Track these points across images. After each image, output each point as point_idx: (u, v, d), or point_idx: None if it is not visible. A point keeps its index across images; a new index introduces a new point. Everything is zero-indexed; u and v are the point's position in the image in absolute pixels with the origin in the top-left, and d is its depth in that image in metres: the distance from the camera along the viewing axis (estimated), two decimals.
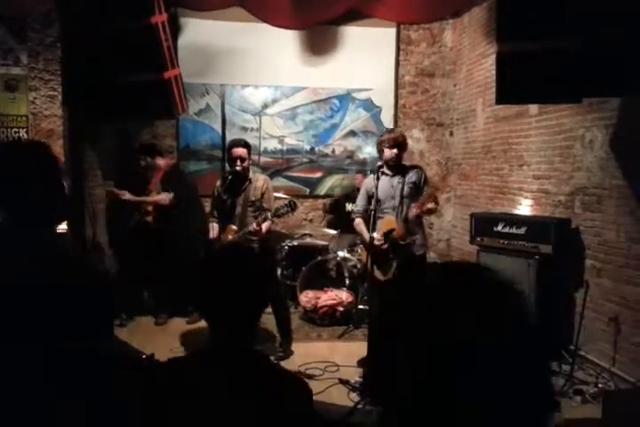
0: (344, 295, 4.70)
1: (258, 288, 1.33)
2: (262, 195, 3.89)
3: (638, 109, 3.29)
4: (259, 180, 3.95)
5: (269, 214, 3.72)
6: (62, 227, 3.76)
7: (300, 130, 6.00)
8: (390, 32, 5.95)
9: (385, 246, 3.65)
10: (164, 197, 4.59)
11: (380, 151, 3.76)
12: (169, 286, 4.70)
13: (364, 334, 4.37)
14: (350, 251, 5.06)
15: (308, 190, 6.05)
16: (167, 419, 1.19)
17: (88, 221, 4.43)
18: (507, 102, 3.85)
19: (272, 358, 3.72)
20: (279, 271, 5.09)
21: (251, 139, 5.71)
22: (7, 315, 1.12)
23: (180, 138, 5.78)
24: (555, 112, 4.13)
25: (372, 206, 3.66)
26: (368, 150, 5.97)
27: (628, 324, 3.38)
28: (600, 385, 3.30)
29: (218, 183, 4.06)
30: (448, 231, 6.13)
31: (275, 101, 5.93)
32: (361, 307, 4.70)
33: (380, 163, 3.77)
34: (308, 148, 6.03)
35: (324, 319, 4.65)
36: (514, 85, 3.05)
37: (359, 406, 3.06)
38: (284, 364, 3.64)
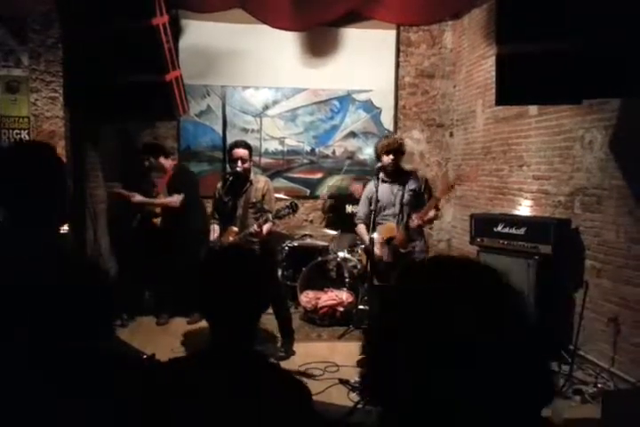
0: (344, 296, 4.71)
1: (258, 289, 1.34)
2: (263, 196, 3.90)
3: (638, 111, 3.30)
4: (260, 181, 3.96)
5: (270, 216, 3.73)
6: (64, 228, 3.77)
7: (301, 131, 6.01)
8: (390, 34, 5.96)
9: (386, 259, 3.68)
10: (175, 200, 4.60)
11: (378, 157, 3.80)
12: (170, 286, 4.70)
13: None
14: (350, 251, 5.07)
15: (308, 191, 6.06)
16: (167, 419, 1.19)
17: (89, 222, 4.43)
18: (506, 103, 3.84)
19: (272, 358, 3.73)
20: (280, 272, 5.10)
21: (251, 140, 5.73)
22: (6, 315, 1.13)
23: (181, 139, 5.80)
24: (554, 113, 4.14)
25: (371, 207, 3.67)
26: (368, 151, 5.98)
27: (628, 324, 3.39)
28: (599, 385, 3.30)
29: (219, 185, 4.07)
30: (448, 232, 6.14)
31: (275, 103, 5.95)
32: (361, 307, 4.71)
33: (379, 165, 3.79)
34: (308, 149, 6.04)
35: (325, 320, 4.66)
36: (513, 86, 3.06)
37: (359, 406, 3.06)
38: (284, 364, 3.65)
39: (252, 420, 1.17)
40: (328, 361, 3.80)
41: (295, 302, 4.88)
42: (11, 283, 1.17)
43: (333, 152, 6.08)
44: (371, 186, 3.89)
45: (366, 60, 5.91)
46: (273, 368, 1.38)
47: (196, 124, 5.84)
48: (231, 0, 5.39)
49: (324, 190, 6.07)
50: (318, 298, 4.71)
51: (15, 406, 1.09)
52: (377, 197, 3.66)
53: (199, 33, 5.69)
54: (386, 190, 3.78)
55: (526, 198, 4.57)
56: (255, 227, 3.72)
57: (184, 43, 5.63)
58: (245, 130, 5.92)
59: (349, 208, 5.43)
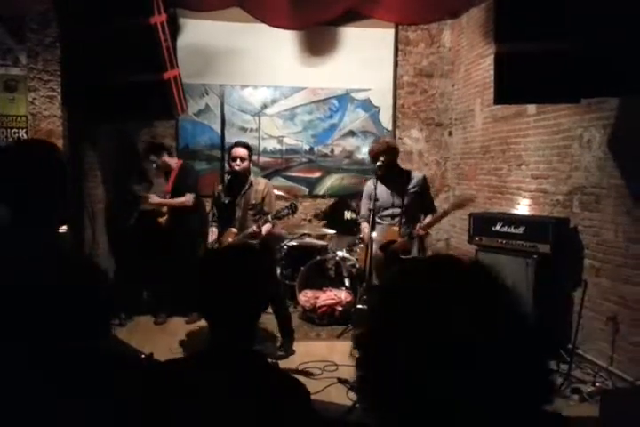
0: (343, 295, 4.71)
1: (257, 288, 1.34)
2: (263, 199, 3.91)
3: (636, 109, 3.30)
4: (260, 183, 3.97)
5: (270, 217, 3.75)
6: (62, 227, 3.77)
7: (299, 130, 6.01)
8: (389, 33, 5.96)
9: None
10: (188, 199, 4.61)
11: (372, 161, 3.84)
12: (168, 285, 4.70)
13: None
14: (349, 251, 5.07)
15: (307, 190, 6.06)
16: (166, 419, 1.19)
17: (87, 222, 4.43)
18: (505, 102, 3.86)
19: (272, 357, 3.73)
20: (278, 271, 5.10)
21: (250, 139, 5.74)
22: (5, 315, 1.13)
23: (180, 138, 5.79)
24: (553, 112, 4.14)
25: (370, 206, 3.68)
26: (367, 150, 5.97)
27: (626, 323, 3.39)
28: (598, 384, 3.31)
29: (219, 187, 4.07)
30: (447, 231, 6.13)
31: (274, 102, 5.94)
32: (360, 306, 4.70)
33: (378, 164, 3.80)
34: (307, 148, 6.04)
35: (323, 319, 4.66)
36: (512, 85, 3.06)
37: (358, 404, 3.06)
38: (283, 363, 3.65)
39: (251, 420, 1.17)
40: (327, 360, 3.80)
41: (294, 302, 4.88)
42: (10, 283, 1.17)
43: (332, 151, 6.08)
44: (370, 184, 3.93)
45: (365, 59, 5.91)
46: (272, 368, 1.38)
47: (195, 123, 5.83)
48: None
49: (322, 190, 6.06)
50: (317, 297, 4.72)
51: (15, 407, 1.09)
52: (375, 195, 3.68)
53: (197, 32, 5.68)
54: (384, 190, 3.82)
55: (525, 197, 4.57)
56: (254, 227, 3.73)
57: (182, 41, 5.62)
58: (244, 129, 5.92)
59: (348, 214, 5.44)
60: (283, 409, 1.21)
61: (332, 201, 5.95)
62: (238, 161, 3.85)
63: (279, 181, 5.93)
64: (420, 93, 6.11)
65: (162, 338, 4.29)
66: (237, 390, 1.19)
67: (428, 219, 3.87)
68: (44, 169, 1.42)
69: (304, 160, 6.05)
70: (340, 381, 3.44)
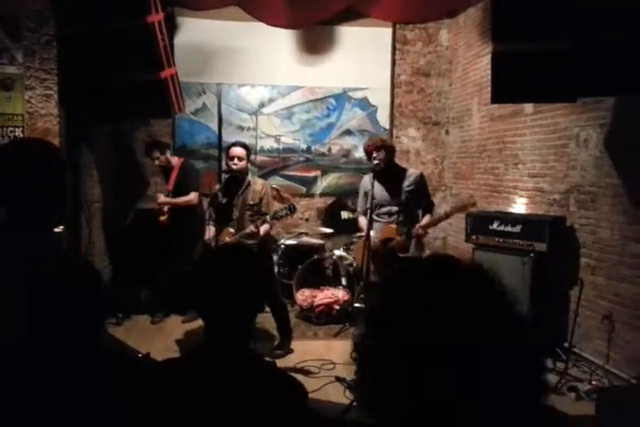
0: (340, 294, 4.72)
1: (253, 288, 1.34)
2: (261, 199, 3.91)
3: (632, 109, 3.31)
4: (257, 183, 3.97)
5: (268, 217, 3.76)
6: (59, 227, 3.76)
7: (297, 129, 6.01)
8: (386, 32, 5.96)
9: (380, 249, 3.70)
10: (193, 198, 4.62)
11: (368, 158, 3.84)
12: (165, 284, 4.70)
13: None
14: (346, 249, 5.07)
15: (304, 189, 6.06)
16: (165, 419, 1.19)
17: (84, 222, 4.42)
18: (502, 101, 3.87)
19: (269, 356, 3.74)
20: (276, 270, 5.10)
21: (247, 138, 5.73)
22: (4, 314, 1.13)
23: (177, 137, 5.78)
24: (549, 111, 4.16)
25: (367, 204, 3.69)
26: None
27: (622, 321, 3.41)
28: (594, 382, 3.32)
29: (217, 187, 4.07)
30: (444, 229, 6.14)
31: (271, 101, 5.94)
32: (357, 305, 4.71)
33: (375, 162, 3.80)
34: (304, 147, 6.04)
35: (321, 318, 4.67)
36: (509, 85, 3.06)
37: (355, 403, 3.07)
38: (280, 362, 3.66)
39: (247, 419, 1.17)
40: (324, 359, 3.81)
41: (291, 301, 4.88)
42: (6, 283, 1.17)
43: (329, 150, 6.08)
44: (366, 180, 3.93)
45: (362, 58, 5.91)
46: (268, 367, 1.38)
47: (192, 121, 5.82)
48: None
49: (319, 189, 6.07)
50: (314, 296, 4.72)
51: (15, 406, 1.09)
52: (372, 193, 3.68)
53: (195, 30, 5.67)
54: (380, 188, 3.81)
55: (521, 196, 4.58)
56: (252, 227, 3.73)
57: (180, 40, 5.61)
58: (241, 128, 5.91)
59: (345, 215, 5.44)
60: (279, 408, 1.21)
61: (329, 200, 5.95)
62: (236, 160, 3.85)
63: (276, 179, 5.93)
64: (418, 92, 6.11)
65: (159, 337, 4.29)
66: (233, 390, 1.19)
67: (427, 219, 3.87)
68: (42, 168, 1.42)
69: (301, 159, 6.05)
70: (338, 379, 3.45)
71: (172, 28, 5.39)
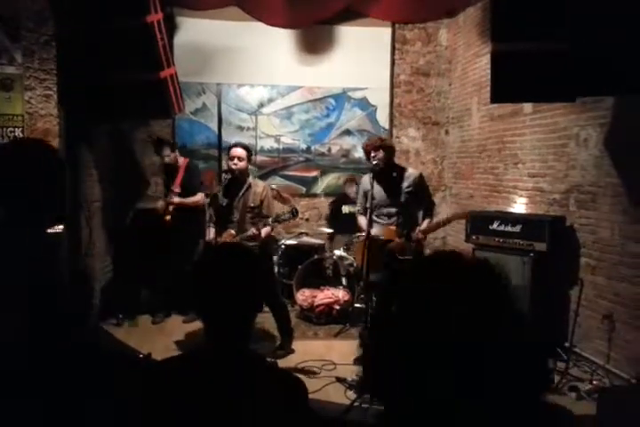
0: (340, 294, 4.72)
1: (253, 288, 1.34)
2: (262, 202, 3.90)
3: (632, 108, 3.31)
4: (258, 186, 3.96)
5: (270, 220, 3.76)
6: (59, 227, 3.75)
7: (296, 129, 6.01)
8: (385, 31, 5.96)
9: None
10: (200, 199, 4.64)
11: (367, 158, 3.83)
12: (166, 285, 4.70)
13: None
14: (346, 249, 5.07)
15: (304, 189, 6.06)
16: (165, 419, 1.19)
17: (84, 221, 4.41)
18: (501, 101, 3.86)
19: (270, 356, 3.73)
20: (276, 270, 5.10)
21: (247, 138, 5.74)
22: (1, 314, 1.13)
23: (177, 137, 5.77)
24: (549, 111, 4.15)
25: (367, 204, 3.68)
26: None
27: (623, 321, 3.41)
28: (595, 382, 3.32)
29: (217, 187, 4.07)
30: (444, 229, 6.13)
31: (271, 100, 5.93)
32: (357, 305, 4.72)
33: (374, 162, 3.79)
34: (304, 147, 6.04)
35: (321, 318, 4.67)
36: (508, 84, 3.06)
37: (356, 403, 3.07)
38: (280, 362, 3.66)
39: (248, 419, 1.17)
40: (325, 359, 3.80)
41: (291, 301, 4.88)
42: (7, 283, 1.17)
43: (329, 150, 6.08)
44: (365, 179, 3.90)
45: (362, 57, 5.91)
46: (268, 367, 1.38)
47: (192, 121, 5.82)
48: None
49: (319, 189, 6.07)
50: (314, 296, 4.72)
51: (15, 407, 1.09)
52: (372, 194, 3.67)
53: (194, 30, 5.67)
54: (379, 189, 3.80)
55: (521, 196, 4.58)
56: (254, 230, 3.73)
57: (179, 40, 5.61)
58: (241, 128, 5.91)
59: (346, 209, 5.44)
60: (279, 408, 1.21)
61: (329, 200, 5.95)
62: (236, 160, 3.85)
63: (276, 180, 5.93)
64: (417, 92, 6.11)
65: (160, 338, 4.29)
66: (233, 390, 1.19)
67: (427, 223, 3.85)
68: (40, 168, 1.42)
69: (301, 159, 6.05)
70: (338, 380, 3.45)
71: (171, 27, 5.39)
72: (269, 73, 5.85)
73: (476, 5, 5.33)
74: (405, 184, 3.79)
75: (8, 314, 1.12)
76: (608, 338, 3.50)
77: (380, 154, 3.70)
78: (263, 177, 5.70)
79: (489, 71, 3.21)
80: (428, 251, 5.61)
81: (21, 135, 3.87)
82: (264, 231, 3.79)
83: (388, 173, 3.78)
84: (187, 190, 4.67)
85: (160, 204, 4.73)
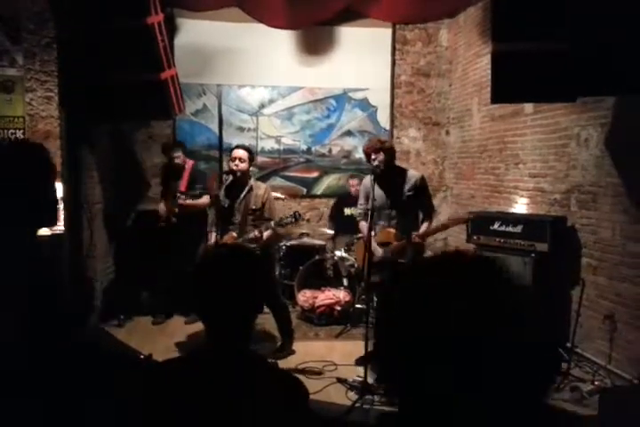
0: (341, 295, 4.71)
1: (253, 289, 1.34)
2: (263, 204, 3.90)
3: (632, 108, 3.31)
4: (260, 188, 3.96)
5: (273, 223, 3.76)
6: (60, 228, 3.76)
7: (297, 130, 6.01)
8: (386, 32, 5.96)
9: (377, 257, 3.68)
10: (207, 201, 4.66)
11: (367, 160, 3.81)
12: (167, 285, 4.70)
13: (362, 333, 4.37)
14: (347, 250, 5.07)
15: (305, 190, 6.06)
16: (165, 419, 1.19)
17: (85, 223, 4.42)
18: (502, 101, 3.86)
19: (271, 357, 3.73)
20: (277, 271, 5.10)
21: (248, 139, 5.74)
22: None
23: (177, 138, 5.77)
24: (550, 111, 4.15)
25: (368, 206, 3.67)
26: None
27: (624, 321, 3.40)
28: (596, 382, 3.31)
29: (221, 192, 4.06)
30: (444, 231, 6.13)
31: (271, 101, 5.94)
32: (358, 306, 4.71)
33: (375, 163, 3.78)
34: (304, 147, 6.04)
35: (322, 319, 4.66)
36: (509, 85, 3.06)
37: (357, 404, 3.07)
38: (281, 363, 3.65)
39: (248, 420, 1.17)
40: (326, 360, 3.80)
41: (292, 301, 4.88)
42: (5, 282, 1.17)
43: (330, 151, 6.08)
44: (367, 182, 3.88)
45: (362, 58, 5.91)
46: (269, 368, 1.38)
47: (192, 123, 5.83)
48: None
49: (319, 190, 6.07)
50: (315, 297, 4.72)
51: (15, 406, 1.09)
52: (373, 195, 3.66)
53: (195, 32, 5.68)
54: (380, 192, 3.77)
55: (522, 196, 4.58)
56: (256, 232, 3.73)
57: (179, 41, 5.61)
58: (242, 129, 5.92)
59: (348, 211, 5.44)
60: (279, 409, 1.21)
61: (330, 201, 5.94)
62: (237, 161, 3.86)
63: (277, 180, 5.94)
64: (418, 93, 6.11)
65: (161, 338, 4.29)
66: (233, 390, 1.19)
67: (425, 227, 3.80)
68: (27, 169, 1.42)
69: (302, 160, 6.05)
70: (339, 381, 3.44)
71: (171, 29, 5.39)
72: (270, 74, 5.85)
73: (476, 5, 5.33)
74: (407, 187, 3.76)
75: (8, 314, 1.12)
76: (609, 338, 3.49)
77: (381, 156, 3.69)
78: (264, 178, 5.71)
79: (489, 71, 3.21)
80: (429, 252, 5.62)
81: (22, 137, 3.88)
82: (266, 234, 3.79)
83: (389, 175, 3.76)
84: (192, 191, 4.69)
85: (161, 206, 4.75)
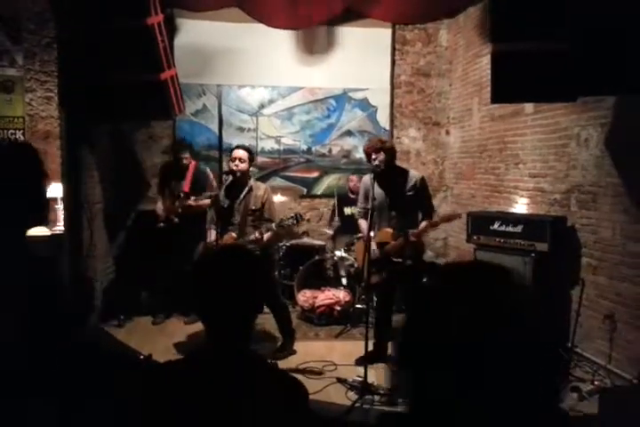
0: (341, 295, 4.72)
1: (253, 289, 1.34)
2: (263, 205, 3.90)
3: (633, 108, 3.31)
4: (260, 188, 3.96)
5: (274, 225, 3.75)
6: (59, 228, 3.76)
7: (297, 130, 6.01)
8: (386, 32, 5.97)
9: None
10: (208, 202, 4.65)
11: (368, 160, 3.81)
12: (167, 286, 4.70)
13: (362, 333, 4.37)
14: (347, 250, 5.07)
15: (305, 190, 6.06)
16: (165, 420, 1.19)
17: (85, 223, 4.42)
18: (502, 101, 3.86)
19: (271, 357, 3.73)
20: (277, 271, 5.10)
21: (248, 139, 5.75)
22: None
23: (177, 138, 5.78)
24: (550, 111, 4.15)
25: (368, 206, 3.67)
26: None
27: (624, 321, 3.40)
28: (596, 382, 3.31)
29: (222, 192, 4.06)
30: (445, 230, 6.14)
31: (271, 102, 5.94)
32: (358, 306, 4.71)
33: (375, 163, 3.78)
34: (304, 148, 6.04)
35: (322, 319, 4.66)
36: (509, 84, 3.06)
37: (357, 404, 3.07)
38: (281, 363, 3.65)
39: (248, 420, 1.17)
40: (326, 360, 3.80)
41: (292, 301, 4.88)
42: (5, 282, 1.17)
43: (330, 151, 6.08)
44: (366, 180, 3.87)
45: (362, 58, 5.91)
46: (269, 368, 1.38)
47: (192, 123, 5.83)
48: None
49: (320, 190, 6.06)
50: (315, 297, 4.72)
51: (15, 406, 1.09)
52: (373, 195, 3.66)
53: (195, 32, 5.68)
54: (380, 192, 3.77)
55: (522, 196, 4.58)
56: (257, 234, 3.73)
57: (179, 42, 5.61)
58: (242, 129, 5.92)
59: (348, 210, 5.44)
60: (279, 409, 1.21)
61: (330, 201, 5.94)
62: (237, 162, 3.86)
63: (277, 180, 5.94)
64: (418, 93, 6.12)
65: (161, 339, 4.29)
66: (233, 390, 1.19)
67: (422, 226, 3.80)
68: (17, 170, 1.42)
69: (302, 160, 6.05)
70: (339, 381, 3.44)
71: (171, 29, 5.40)
72: (270, 74, 5.85)
73: (476, 6, 5.33)
74: (407, 188, 3.75)
75: (8, 314, 1.12)
76: (609, 338, 3.49)
77: (381, 156, 3.68)
78: (264, 178, 5.71)
79: (489, 71, 3.21)
80: (429, 252, 5.62)
81: (22, 137, 3.89)
82: (266, 236, 3.79)
83: (390, 175, 3.76)
84: (194, 192, 4.67)
85: (159, 206, 4.74)
